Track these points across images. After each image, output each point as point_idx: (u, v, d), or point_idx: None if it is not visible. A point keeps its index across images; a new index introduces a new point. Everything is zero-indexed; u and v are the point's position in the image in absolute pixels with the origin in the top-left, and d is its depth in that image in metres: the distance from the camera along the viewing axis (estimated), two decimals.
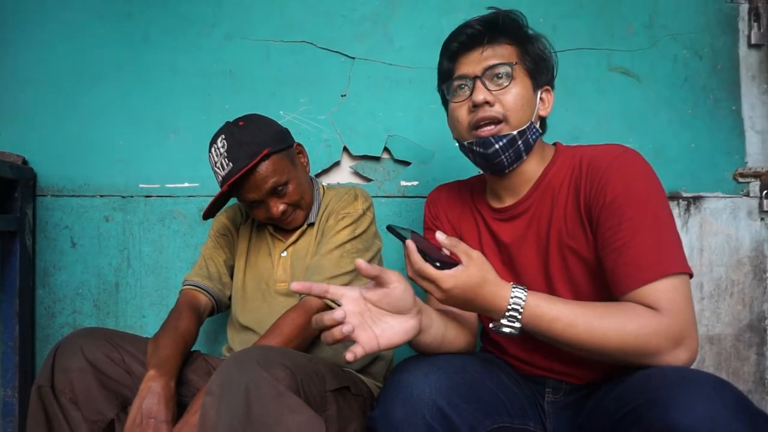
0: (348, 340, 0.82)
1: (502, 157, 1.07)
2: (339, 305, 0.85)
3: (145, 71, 1.77)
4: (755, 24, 1.84)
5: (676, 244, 0.95)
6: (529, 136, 1.07)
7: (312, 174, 1.68)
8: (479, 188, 1.24)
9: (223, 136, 1.28)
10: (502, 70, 1.05)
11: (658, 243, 0.93)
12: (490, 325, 0.92)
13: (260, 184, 1.27)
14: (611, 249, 0.96)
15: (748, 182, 1.82)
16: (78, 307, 1.74)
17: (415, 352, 1.02)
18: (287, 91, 1.76)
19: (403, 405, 0.87)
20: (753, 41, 1.84)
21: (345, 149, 1.77)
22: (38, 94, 1.76)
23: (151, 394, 1.07)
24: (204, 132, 1.67)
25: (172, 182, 1.75)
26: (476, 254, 0.90)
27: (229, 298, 1.45)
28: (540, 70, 1.09)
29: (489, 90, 1.04)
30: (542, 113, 1.11)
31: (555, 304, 0.90)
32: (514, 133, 1.05)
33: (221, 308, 1.44)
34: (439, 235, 0.92)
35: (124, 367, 1.16)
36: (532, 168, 1.11)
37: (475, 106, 1.05)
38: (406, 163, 1.76)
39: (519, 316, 0.89)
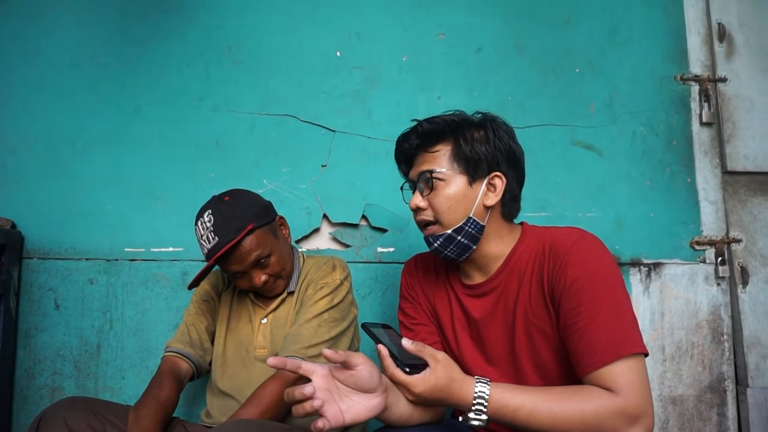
0: (317, 414, 0.88)
1: (446, 251, 1.16)
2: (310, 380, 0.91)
3: (135, 140, 1.86)
4: (705, 104, 2.01)
5: (632, 325, 1.02)
6: (469, 230, 1.14)
7: (293, 239, 1.76)
8: (452, 263, 1.31)
9: (210, 211, 1.36)
10: (429, 176, 1.15)
11: (614, 325, 1.00)
12: (460, 419, 0.98)
13: (244, 257, 1.34)
14: (572, 331, 1.03)
15: (704, 250, 1.94)
16: (59, 368, 1.76)
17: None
18: (271, 161, 1.86)
19: None
20: (704, 120, 2.00)
21: (325, 216, 1.86)
22: (29, 160, 1.83)
23: None
24: (190, 199, 1.77)
25: (157, 247, 1.81)
26: (442, 356, 0.97)
27: (210, 364, 1.49)
28: (476, 164, 1.13)
29: (423, 195, 1.16)
30: (488, 203, 1.15)
31: (517, 393, 0.96)
32: (449, 232, 1.14)
33: (201, 373, 1.48)
34: (405, 342, 0.98)
35: None
36: (497, 249, 1.18)
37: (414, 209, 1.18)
38: (383, 230, 1.86)
39: (485, 409, 0.95)
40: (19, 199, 1.81)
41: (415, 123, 1.20)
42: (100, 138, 1.85)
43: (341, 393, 0.92)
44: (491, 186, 1.15)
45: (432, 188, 1.14)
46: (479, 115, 1.20)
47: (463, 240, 1.14)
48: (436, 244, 1.16)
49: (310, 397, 0.87)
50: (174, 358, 1.43)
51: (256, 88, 1.89)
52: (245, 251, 1.34)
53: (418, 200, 1.16)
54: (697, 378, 1.89)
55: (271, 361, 0.89)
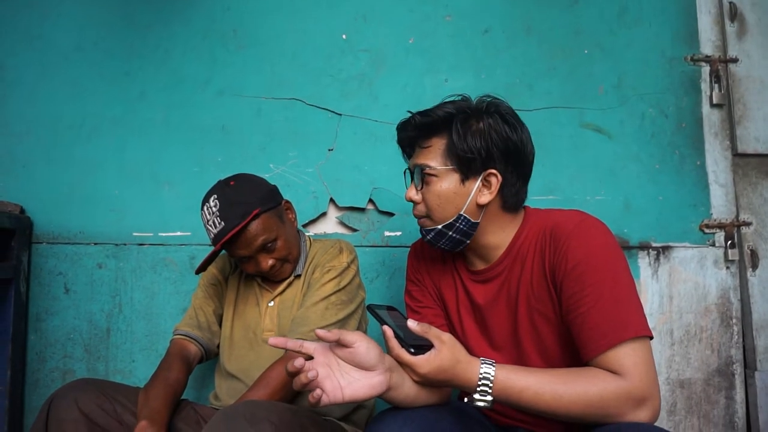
0: (314, 387, 0.90)
1: (439, 244, 1.17)
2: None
3: (141, 126, 1.86)
4: (716, 85, 1.98)
5: (636, 308, 1.00)
6: (461, 226, 1.13)
7: (300, 224, 1.76)
8: None
9: (215, 195, 1.36)
10: (424, 171, 1.13)
11: (617, 309, 0.99)
12: (465, 399, 0.98)
13: (251, 241, 1.34)
14: (575, 315, 1.02)
15: (714, 233, 1.93)
16: (69, 351, 1.78)
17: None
18: (277, 146, 1.86)
19: None
20: (714, 101, 1.97)
21: (332, 201, 1.86)
22: (37, 145, 1.84)
23: None
24: (197, 184, 1.77)
25: (165, 231, 1.82)
26: (447, 337, 0.97)
27: (218, 346, 1.50)
28: (469, 162, 1.10)
29: (417, 189, 1.15)
30: (481, 201, 1.12)
31: (522, 374, 0.96)
32: (439, 227, 1.14)
33: (210, 356, 1.49)
34: (411, 323, 0.98)
35: (116, 418, 1.20)
36: (496, 239, 1.16)
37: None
38: (390, 214, 1.85)
39: (489, 390, 0.95)
40: (26, 184, 1.82)
41: (411, 114, 1.17)
42: (106, 123, 1.85)
43: (342, 370, 0.93)
44: (486, 183, 1.12)
45: (425, 183, 1.14)
46: (484, 102, 1.15)
47: (454, 235, 1.14)
48: (428, 237, 1.17)
49: (299, 370, 0.89)
50: (182, 341, 1.44)
51: (261, 72, 1.88)
52: (251, 236, 1.34)
53: (413, 193, 1.16)
54: (705, 362, 1.88)
55: (272, 340, 0.91)
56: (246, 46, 1.89)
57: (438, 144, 1.12)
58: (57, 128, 1.85)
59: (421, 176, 1.14)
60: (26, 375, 1.77)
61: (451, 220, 1.12)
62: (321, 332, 0.91)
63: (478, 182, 1.11)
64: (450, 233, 1.14)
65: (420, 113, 1.15)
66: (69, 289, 1.79)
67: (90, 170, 1.83)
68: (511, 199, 1.14)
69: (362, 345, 0.92)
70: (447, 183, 1.11)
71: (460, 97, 1.17)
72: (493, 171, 1.11)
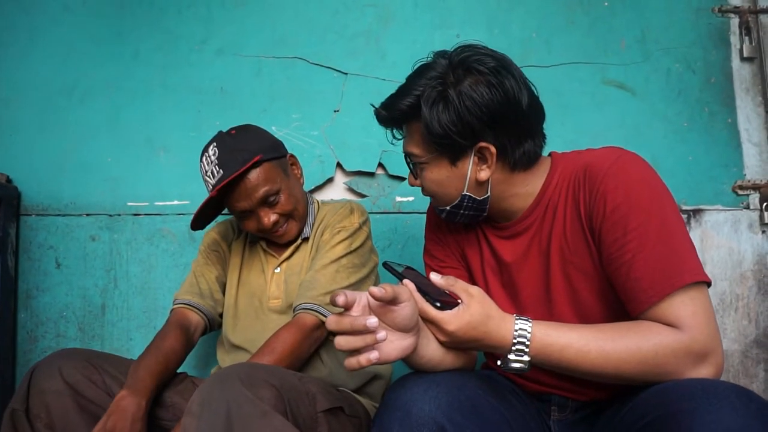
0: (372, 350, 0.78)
1: (456, 220, 1.09)
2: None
3: (135, 88, 1.77)
4: (746, 38, 1.85)
5: (688, 251, 0.89)
6: (469, 204, 1.03)
7: (305, 190, 1.65)
8: None
9: (215, 144, 1.27)
10: (411, 159, 1.05)
11: (668, 253, 0.88)
12: (498, 362, 0.88)
13: (251, 192, 1.24)
14: (619, 264, 0.91)
15: (748, 194, 1.81)
16: (62, 330, 1.68)
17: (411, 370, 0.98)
18: (279, 107, 1.76)
19: (401, 424, 0.81)
20: (745, 54, 1.84)
21: (339, 165, 1.76)
22: (24, 111, 1.76)
23: (118, 412, 1.03)
24: (194, 149, 1.63)
25: (161, 200, 1.73)
26: (476, 290, 0.88)
27: (221, 316, 1.40)
28: (451, 144, 0.97)
29: (415, 177, 1.08)
30: (481, 177, 1.00)
31: (563, 330, 0.86)
32: (448, 208, 1.06)
33: (214, 326, 1.39)
34: (434, 276, 0.90)
35: (104, 389, 1.11)
36: (520, 198, 1.05)
37: None
38: (401, 179, 1.74)
39: (527, 349, 0.85)
40: (14, 152, 1.73)
41: (374, 108, 1.07)
42: (98, 86, 1.76)
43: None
44: (481, 157, 0.99)
45: (418, 170, 1.05)
46: (452, 62, 0.98)
47: (466, 212, 1.05)
48: (443, 216, 1.09)
49: (372, 331, 0.76)
50: (183, 310, 1.34)
51: (261, 30, 1.78)
52: (252, 185, 1.24)
53: (412, 180, 1.09)
54: (743, 332, 1.76)
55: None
56: (245, 3, 1.79)
57: (415, 131, 1.01)
58: (46, 93, 1.76)
59: (412, 164, 1.06)
60: (17, 356, 1.67)
61: (456, 201, 1.03)
62: (377, 291, 0.76)
63: (471, 159, 0.99)
64: (461, 211, 1.05)
65: (384, 107, 1.04)
66: (60, 264, 1.70)
67: (81, 137, 1.75)
68: (520, 159, 1.00)
69: (408, 307, 0.81)
70: (437, 169, 1.02)
71: (431, 57, 1.02)
72: (483, 144, 0.97)
